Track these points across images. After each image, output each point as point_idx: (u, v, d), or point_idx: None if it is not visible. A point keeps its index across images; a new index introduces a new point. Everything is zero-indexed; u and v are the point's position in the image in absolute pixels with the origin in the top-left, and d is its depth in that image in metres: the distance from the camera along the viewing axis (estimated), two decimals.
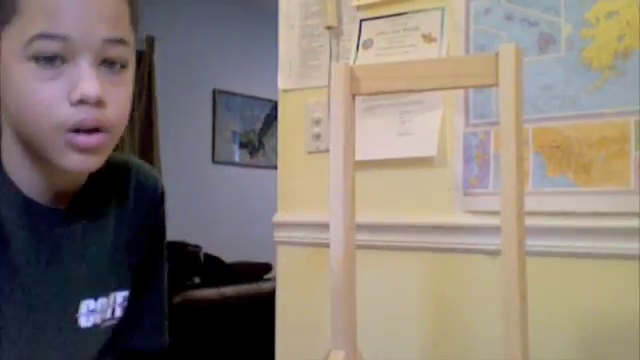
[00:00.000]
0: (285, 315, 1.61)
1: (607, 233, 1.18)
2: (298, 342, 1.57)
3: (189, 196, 4.73)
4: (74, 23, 0.76)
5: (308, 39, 1.59)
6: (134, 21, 0.83)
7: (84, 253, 0.91)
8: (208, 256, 4.41)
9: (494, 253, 1.24)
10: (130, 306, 0.96)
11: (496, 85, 0.81)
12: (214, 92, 5.31)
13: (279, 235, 1.62)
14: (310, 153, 1.58)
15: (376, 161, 1.42)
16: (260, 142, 5.68)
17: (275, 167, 1.66)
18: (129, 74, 0.83)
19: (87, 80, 0.76)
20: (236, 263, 4.47)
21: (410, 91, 1.31)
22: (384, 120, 1.44)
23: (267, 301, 1.84)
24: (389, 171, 1.44)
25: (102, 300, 0.92)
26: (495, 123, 1.29)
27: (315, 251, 1.53)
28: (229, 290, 4.01)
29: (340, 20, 1.54)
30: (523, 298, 0.79)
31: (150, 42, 4.71)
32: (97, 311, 0.91)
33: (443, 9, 1.39)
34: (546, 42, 1.26)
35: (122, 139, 0.86)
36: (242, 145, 5.57)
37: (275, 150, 1.71)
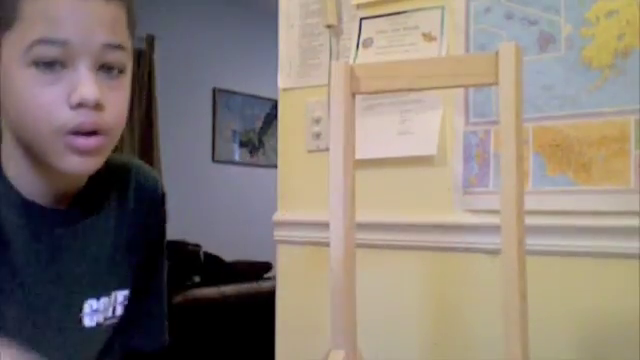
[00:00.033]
0: (285, 314, 1.61)
1: (607, 232, 1.18)
2: (298, 342, 1.57)
3: (189, 195, 4.73)
4: (73, 29, 0.77)
5: (308, 38, 1.59)
6: (131, 27, 0.85)
7: (84, 253, 0.91)
8: (208, 255, 4.41)
9: (494, 252, 1.24)
10: (130, 306, 0.96)
11: (496, 84, 0.81)
12: (214, 91, 5.31)
13: (279, 234, 1.62)
14: (310, 152, 1.58)
15: (376, 160, 1.42)
16: (260, 141, 5.67)
17: (275, 166, 1.66)
18: (126, 79, 0.84)
19: (86, 84, 0.78)
20: (236, 262, 4.47)
21: (410, 90, 1.31)
22: (384, 119, 1.44)
23: (267, 300, 1.84)
24: (389, 170, 1.44)
25: (104, 299, 0.92)
26: (495, 122, 1.29)
27: (315, 250, 1.53)
28: (229, 289, 4.01)
29: (340, 19, 1.54)
30: (523, 297, 0.79)
31: (150, 42, 4.71)
32: (100, 310, 0.92)
33: (443, 8, 1.39)
34: (546, 41, 1.26)
35: (122, 139, 0.88)
36: (242, 144, 5.57)
37: (275, 149, 1.71)
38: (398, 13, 1.44)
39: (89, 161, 0.81)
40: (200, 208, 4.90)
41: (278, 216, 1.63)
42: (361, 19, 1.49)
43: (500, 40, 1.29)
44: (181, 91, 4.99)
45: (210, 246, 4.47)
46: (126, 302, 0.96)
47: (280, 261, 1.62)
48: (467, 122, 1.34)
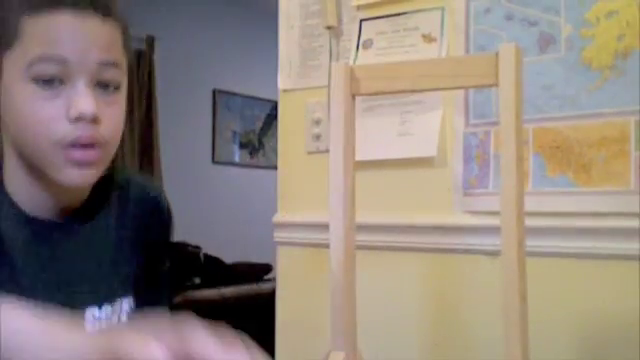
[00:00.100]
0: (285, 316, 1.61)
1: (607, 233, 1.18)
2: (298, 343, 1.57)
3: (189, 197, 4.73)
4: (71, 48, 0.81)
5: (308, 39, 1.59)
6: (126, 46, 0.89)
7: (85, 265, 0.92)
8: (208, 257, 4.41)
9: (494, 253, 1.24)
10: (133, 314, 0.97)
11: (496, 85, 0.81)
12: (214, 92, 5.31)
13: (279, 235, 1.62)
14: (310, 153, 1.57)
15: (376, 161, 1.42)
16: (260, 142, 5.68)
17: (275, 167, 1.66)
18: (122, 95, 0.88)
19: (83, 99, 0.82)
20: (236, 264, 4.48)
21: (410, 91, 1.31)
22: (384, 120, 1.44)
23: (267, 302, 1.84)
24: (389, 171, 1.44)
25: (107, 308, 0.93)
26: (495, 123, 1.29)
27: (315, 251, 1.52)
28: (229, 291, 4.02)
29: (340, 20, 1.54)
30: (523, 298, 0.79)
31: (150, 42, 4.71)
32: (103, 319, 0.93)
33: (443, 9, 1.39)
34: (546, 42, 1.26)
35: (122, 139, 0.89)
36: (242, 145, 5.57)
37: (275, 150, 1.71)
38: (398, 14, 1.44)
39: (87, 173, 0.85)
40: (200, 209, 4.90)
41: (278, 217, 1.62)
42: (361, 20, 1.49)
43: (500, 41, 1.29)
44: (181, 92, 5.00)
45: (210, 247, 4.48)
46: (131, 311, 0.96)
47: (280, 262, 1.62)
48: (467, 123, 1.34)
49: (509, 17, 1.30)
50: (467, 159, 1.33)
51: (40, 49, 0.80)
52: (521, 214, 0.80)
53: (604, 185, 1.19)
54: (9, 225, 0.86)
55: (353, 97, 0.90)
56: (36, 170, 0.86)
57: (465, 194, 1.34)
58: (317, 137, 1.56)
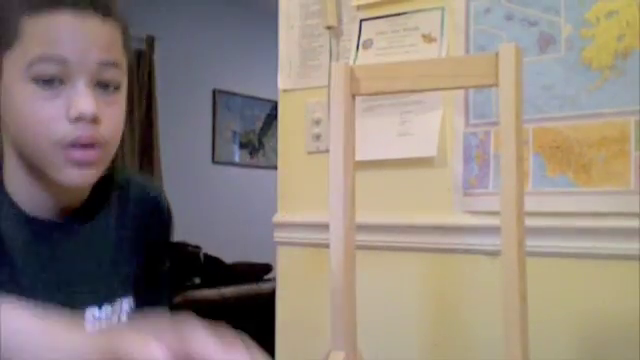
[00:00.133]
0: (285, 316, 1.61)
1: (607, 233, 1.18)
2: (298, 343, 1.57)
3: (189, 196, 4.73)
4: (71, 48, 0.81)
5: (308, 39, 1.59)
6: (126, 47, 0.89)
7: (85, 265, 0.92)
8: (208, 256, 4.41)
9: (494, 253, 1.24)
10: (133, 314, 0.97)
11: (496, 85, 0.81)
12: (214, 92, 5.31)
13: (279, 235, 1.62)
14: (310, 153, 1.57)
15: (376, 161, 1.42)
16: (260, 142, 5.68)
17: (275, 167, 1.66)
18: (122, 95, 0.88)
19: (83, 99, 0.82)
20: (236, 263, 4.48)
21: (410, 91, 1.31)
22: (384, 120, 1.44)
23: (267, 301, 1.84)
24: (389, 171, 1.44)
25: (107, 308, 0.93)
26: (495, 123, 1.29)
27: (315, 251, 1.52)
28: (229, 291, 4.02)
29: (340, 20, 1.54)
30: (523, 298, 0.79)
31: (150, 42, 4.71)
32: (102, 319, 0.93)
33: (443, 9, 1.39)
34: (546, 42, 1.26)
35: (122, 139, 0.89)
36: (242, 145, 5.57)
37: (275, 150, 1.71)
38: (398, 14, 1.44)
39: (87, 173, 0.85)
40: (200, 209, 4.90)
41: (278, 217, 1.62)
42: (361, 20, 1.49)
43: (500, 41, 1.29)
44: (181, 92, 5.00)
45: (210, 247, 4.48)
46: (131, 311, 0.96)
47: (280, 262, 1.62)
48: (467, 123, 1.34)
49: (509, 17, 1.30)
50: (467, 159, 1.33)
51: (40, 49, 0.80)
52: (521, 214, 0.80)
53: (604, 185, 1.19)
54: (9, 225, 0.86)
55: (353, 97, 0.90)
56: (36, 170, 0.86)
57: (465, 194, 1.34)
58: (317, 137, 1.56)
